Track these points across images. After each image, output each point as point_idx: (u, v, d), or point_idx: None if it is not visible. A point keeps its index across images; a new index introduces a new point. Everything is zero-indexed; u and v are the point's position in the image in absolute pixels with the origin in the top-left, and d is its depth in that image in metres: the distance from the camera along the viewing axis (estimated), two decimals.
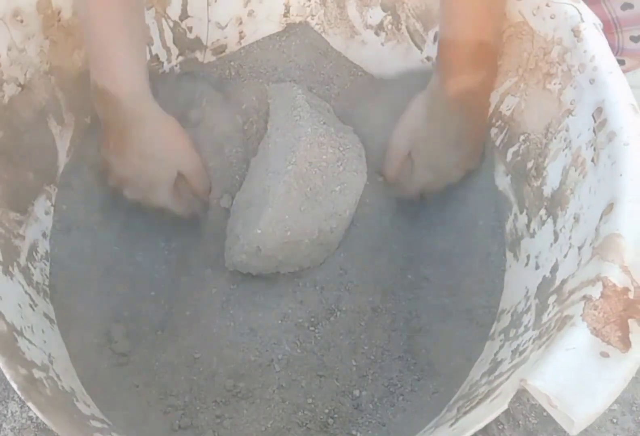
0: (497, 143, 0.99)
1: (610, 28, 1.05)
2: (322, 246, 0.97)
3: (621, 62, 1.11)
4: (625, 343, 0.59)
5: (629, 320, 0.60)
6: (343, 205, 0.97)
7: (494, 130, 1.00)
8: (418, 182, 1.02)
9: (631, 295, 0.61)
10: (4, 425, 0.98)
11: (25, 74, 0.87)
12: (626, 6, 1.06)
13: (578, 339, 0.60)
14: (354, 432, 0.89)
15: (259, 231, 0.92)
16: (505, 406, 0.61)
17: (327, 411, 0.90)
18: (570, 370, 0.58)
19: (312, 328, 0.95)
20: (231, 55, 1.14)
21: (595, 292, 0.62)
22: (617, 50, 1.09)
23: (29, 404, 0.65)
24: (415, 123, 1.01)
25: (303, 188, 0.93)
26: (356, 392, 0.93)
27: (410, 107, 1.02)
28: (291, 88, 1.06)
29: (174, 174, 0.99)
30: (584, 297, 0.62)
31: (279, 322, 0.94)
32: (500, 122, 0.98)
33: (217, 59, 1.14)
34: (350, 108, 1.12)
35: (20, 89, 0.87)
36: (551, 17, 0.86)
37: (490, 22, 0.91)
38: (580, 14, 0.84)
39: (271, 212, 0.92)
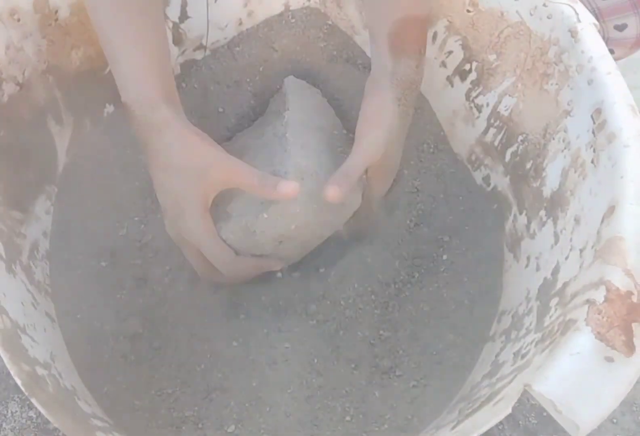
0: (496, 143, 0.99)
1: None
2: (305, 249, 0.97)
3: (610, 51, 1.12)
4: (630, 348, 0.59)
5: (633, 324, 0.60)
6: (340, 218, 0.95)
7: (492, 131, 1.00)
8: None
9: (634, 299, 0.62)
10: (4, 425, 0.98)
11: (23, 73, 0.87)
12: None
13: (582, 344, 0.60)
14: (353, 433, 0.89)
15: (266, 216, 0.88)
16: (509, 411, 0.61)
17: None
18: (575, 375, 0.58)
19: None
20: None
21: (599, 295, 0.62)
22: (603, 40, 1.10)
23: (33, 400, 0.65)
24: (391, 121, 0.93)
25: (315, 190, 0.91)
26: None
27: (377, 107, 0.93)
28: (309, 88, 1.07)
29: (202, 187, 0.84)
30: (588, 301, 0.62)
31: None
32: (498, 122, 0.99)
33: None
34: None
35: (19, 88, 0.86)
36: (548, 17, 0.86)
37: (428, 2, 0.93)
38: (577, 14, 0.84)
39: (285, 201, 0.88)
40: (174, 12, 1.02)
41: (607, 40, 1.09)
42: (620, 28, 1.08)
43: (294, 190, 0.80)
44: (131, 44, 0.84)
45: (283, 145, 0.93)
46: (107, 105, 1.03)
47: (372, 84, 0.93)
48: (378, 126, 0.90)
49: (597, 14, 1.06)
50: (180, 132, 0.84)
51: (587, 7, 0.98)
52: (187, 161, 0.83)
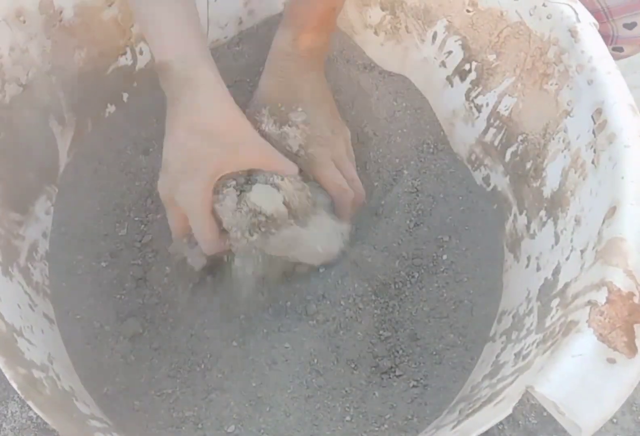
0: (496, 143, 0.99)
1: (601, 18, 1.05)
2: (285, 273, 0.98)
3: (619, 49, 1.11)
4: (632, 349, 0.59)
5: (635, 326, 0.60)
6: (328, 249, 0.96)
7: (492, 131, 1.00)
8: (326, 162, 0.97)
9: (636, 300, 0.62)
10: (4, 425, 0.98)
11: (27, 74, 0.87)
12: None
13: (584, 345, 0.60)
14: (352, 433, 0.89)
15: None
16: (510, 411, 0.61)
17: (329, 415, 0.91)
18: (577, 377, 0.59)
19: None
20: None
21: (601, 297, 0.62)
22: (612, 39, 1.09)
23: (29, 403, 0.65)
24: (267, 91, 0.98)
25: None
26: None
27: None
28: None
29: (223, 156, 0.84)
30: (589, 302, 0.62)
31: None
32: (498, 122, 0.99)
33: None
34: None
35: (21, 89, 0.86)
36: (547, 17, 0.86)
37: None
38: (577, 14, 0.84)
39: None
40: None
41: (616, 38, 1.09)
42: (630, 26, 1.07)
43: (294, 170, 0.90)
44: (168, 6, 0.83)
45: None
46: (108, 105, 1.03)
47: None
48: (254, 96, 0.99)
49: (607, 12, 1.05)
50: (221, 97, 0.84)
51: (596, 6, 0.98)
52: (220, 129, 0.82)
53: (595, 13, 1.05)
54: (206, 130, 0.82)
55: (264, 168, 0.87)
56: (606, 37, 1.11)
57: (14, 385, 0.65)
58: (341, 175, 0.96)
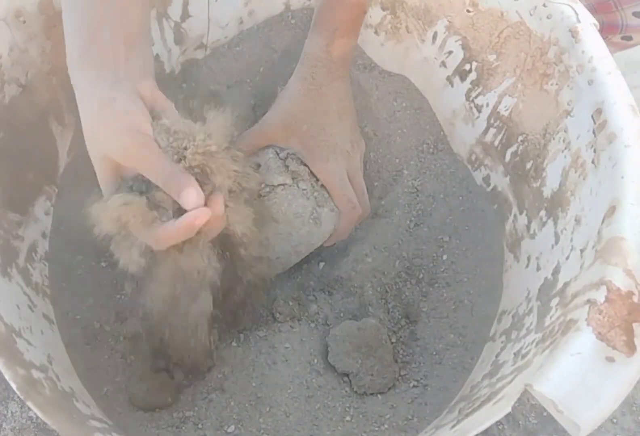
0: (496, 143, 0.99)
1: (609, 7, 1.05)
2: (282, 265, 0.98)
3: (628, 38, 1.11)
4: (631, 348, 0.59)
5: (634, 324, 0.60)
6: (318, 235, 0.96)
7: (492, 131, 1.00)
8: (339, 173, 0.95)
9: (635, 299, 0.62)
10: (4, 425, 0.98)
11: (26, 75, 0.87)
12: None
13: (583, 344, 0.60)
14: (352, 433, 0.89)
15: None
16: (509, 410, 0.61)
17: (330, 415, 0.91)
18: (576, 375, 0.59)
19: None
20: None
21: (600, 296, 0.62)
22: (621, 28, 1.09)
23: (29, 403, 0.65)
24: (292, 99, 0.96)
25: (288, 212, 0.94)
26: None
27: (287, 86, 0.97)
28: None
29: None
30: (588, 301, 0.62)
31: None
32: (498, 122, 0.98)
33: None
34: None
35: (21, 89, 0.86)
36: (548, 17, 0.86)
37: None
38: (577, 14, 0.84)
39: None
40: (175, 11, 1.02)
41: (625, 27, 1.09)
42: (639, 14, 1.07)
43: (195, 204, 0.70)
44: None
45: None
46: None
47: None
48: (282, 98, 0.97)
49: (615, 1, 1.05)
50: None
51: None
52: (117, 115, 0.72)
53: (604, 2, 1.05)
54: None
55: (134, 165, 0.74)
56: (614, 27, 1.11)
57: (13, 386, 0.65)
58: (352, 189, 0.96)
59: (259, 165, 0.94)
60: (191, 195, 0.69)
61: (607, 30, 1.14)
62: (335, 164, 0.95)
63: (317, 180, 0.95)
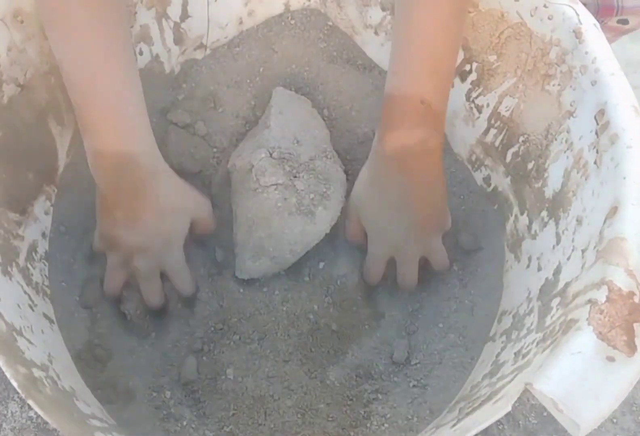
0: (497, 144, 0.99)
1: None
2: (279, 265, 0.99)
3: (624, 21, 1.11)
4: (631, 348, 0.59)
5: (635, 324, 0.60)
6: (313, 234, 0.97)
7: (492, 131, 1.00)
8: (373, 257, 0.99)
9: (636, 299, 0.62)
10: (4, 425, 0.97)
11: (25, 74, 0.87)
12: None
13: (584, 343, 0.60)
14: (352, 433, 0.89)
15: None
16: (509, 409, 0.61)
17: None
18: (576, 375, 0.58)
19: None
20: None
21: (601, 295, 0.62)
22: (616, 9, 1.08)
23: (30, 402, 0.65)
24: (358, 187, 0.97)
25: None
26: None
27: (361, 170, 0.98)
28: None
29: (188, 224, 0.96)
30: (589, 301, 0.62)
31: None
32: (499, 122, 0.98)
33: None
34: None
35: (20, 89, 0.86)
36: (549, 18, 0.86)
37: (435, 81, 0.87)
38: (578, 15, 0.84)
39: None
40: (175, 11, 1.01)
41: (621, 8, 1.09)
42: None
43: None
44: (124, 92, 0.87)
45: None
46: None
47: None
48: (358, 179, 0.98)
49: None
50: (174, 176, 0.94)
51: None
52: (180, 204, 0.94)
53: None
54: (173, 209, 0.93)
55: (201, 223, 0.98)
56: (610, 9, 1.11)
57: (14, 384, 0.65)
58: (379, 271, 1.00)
59: (252, 166, 0.95)
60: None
61: (602, 12, 1.13)
62: (380, 249, 0.98)
63: (318, 178, 0.95)
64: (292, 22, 1.13)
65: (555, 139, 0.87)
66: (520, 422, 1.01)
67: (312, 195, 0.95)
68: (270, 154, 0.96)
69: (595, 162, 0.77)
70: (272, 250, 0.96)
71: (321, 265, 1.00)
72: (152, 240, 0.93)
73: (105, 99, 0.85)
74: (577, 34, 0.82)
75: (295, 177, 0.95)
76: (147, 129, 0.90)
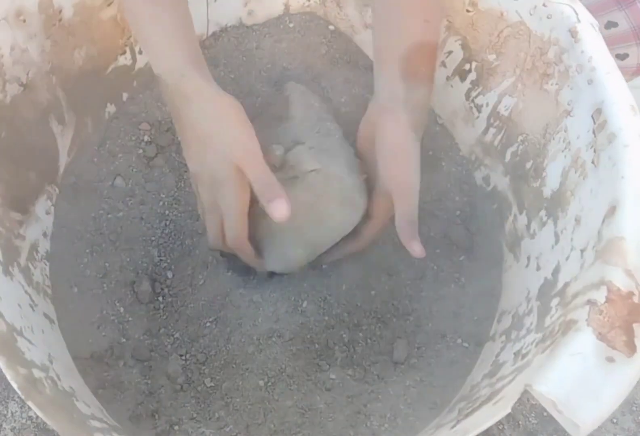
0: (496, 143, 0.99)
1: None
2: (314, 251, 0.96)
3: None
4: (631, 348, 0.59)
5: (634, 325, 0.60)
6: (350, 221, 0.93)
7: (492, 131, 1.00)
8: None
9: (635, 299, 0.62)
10: (4, 425, 0.98)
11: (27, 74, 0.87)
12: (610, 24, 1.07)
13: (583, 344, 0.60)
14: (352, 433, 0.89)
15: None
16: (509, 410, 0.61)
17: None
18: (575, 375, 0.59)
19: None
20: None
21: (600, 296, 0.62)
22: None
23: (29, 403, 0.65)
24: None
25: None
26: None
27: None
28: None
29: (242, 158, 0.82)
30: (589, 302, 0.63)
31: None
32: (498, 122, 0.99)
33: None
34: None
35: (22, 88, 0.86)
36: (548, 17, 0.86)
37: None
38: (577, 14, 0.84)
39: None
40: None
41: None
42: (622, 57, 1.08)
43: (282, 215, 0.80)
44: (156, 17, 0.84)
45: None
46: (108, 105, 1.03)
47: (383, 111, 0.90)
48: (409, 164, 0.89)
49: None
50: (213, 98, 0.83)
51: None
52: (216, 129, 0.83)
53: None
54: (209, 137, 0.82)
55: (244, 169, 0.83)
56: None
57: (14, 385, 0.65)
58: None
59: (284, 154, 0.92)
60: (281, 206, 0.80)
61: None
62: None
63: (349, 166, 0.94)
64: (291, 25, 1.13)
65: (553, 138, 0.87)
66: (520, 422, 1.01)
67: (350, 181, 0.93)
68: (302, 143, 0.94)
69: (592, 161, 0.77)
70: (311, 236, 0.93)
71: (324, 266, 1.01)
72: (203, 171, 0.85)
73: (145, 22, 0.85)
74: (573, 33, 0.83)
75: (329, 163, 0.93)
76: (177, 47, 0.84)
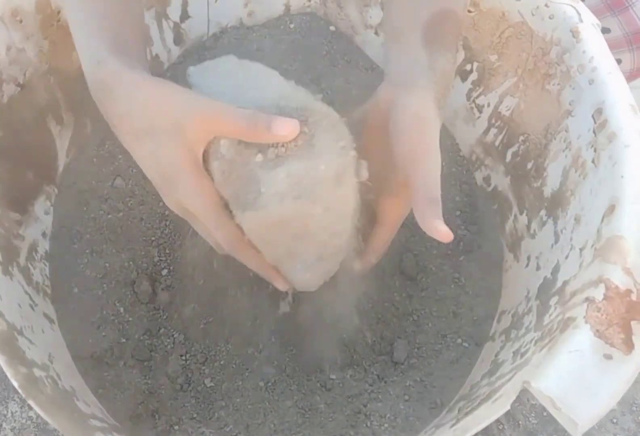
0: (497, 143, 0.99)
1: None
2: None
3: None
4: (628, 345, 0.59)
5: (632, 322, 0.60)
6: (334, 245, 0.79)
7: (493, 131, 1.00)
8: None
9: (634, 297, 0.62)
10: (4, 425, 0.98)
11: (24, 74, 0.87)
12: (603, 31, 1.07)
13: (581, 341, 0.60)
14: (352, 433, 0.89)
15: None
16: (507, 408, 0.62)
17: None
18: (573, 372, 0.59)
19: None
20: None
21: (598, 293, 0.62)
22: None
23: (30, 402, 0.65)
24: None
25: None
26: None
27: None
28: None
29: (193, 147, 0.66)
30: (587, 299, 0.63)
31: None
32: (499, 122, 0.98)
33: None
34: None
35: (19, 88, 0.86)
36: (550, 17, 0.86)
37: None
38: (579, 14, 0.84)
39: None
40: (175, 12, 1.02)
41: None
42: (616, 63, 1.09)
43: (293, 129, 0.64)
44: (81, 2, 0.72)
45: None
46: None
47: (402, 86, 0.75)
48: (430, 133, 0.75)
49: None
50: (136, 82, 0.67)
51: None
52: (152, 119, 0.66)
53: None
54: (146, 132, 0.67)
55: (220, 133, 0.66)
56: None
57: (15, 384, 0.66)
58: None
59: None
60: (284, 124, 0.63)
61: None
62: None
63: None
64: (292, 25, 1.13)
65: (554, 138, 0.87)
66: (520, 422, 1.01)
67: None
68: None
69: (593, 161, 0.77)
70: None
71: None
72: (152, 173, 0.70)
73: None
74: (575, 33, 0.83)
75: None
76: (103, 33, 0.70)
